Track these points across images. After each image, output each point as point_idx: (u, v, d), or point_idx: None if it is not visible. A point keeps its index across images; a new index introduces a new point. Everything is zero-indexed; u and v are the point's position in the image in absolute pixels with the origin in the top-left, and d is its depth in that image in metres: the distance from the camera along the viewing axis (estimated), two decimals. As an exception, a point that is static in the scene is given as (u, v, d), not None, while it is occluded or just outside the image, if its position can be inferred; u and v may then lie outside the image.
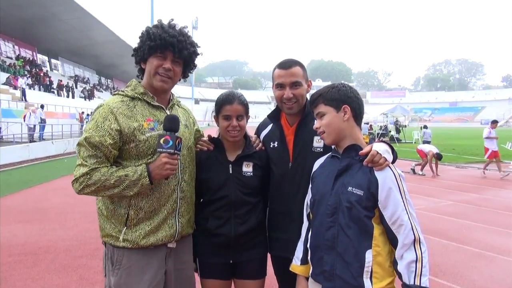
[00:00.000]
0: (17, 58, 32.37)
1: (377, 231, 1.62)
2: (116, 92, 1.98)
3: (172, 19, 1.96)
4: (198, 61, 2.08)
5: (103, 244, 1.98)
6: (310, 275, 1.80)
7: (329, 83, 2.02)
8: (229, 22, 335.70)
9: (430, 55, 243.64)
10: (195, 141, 2.22)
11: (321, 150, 2.04)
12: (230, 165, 2.14)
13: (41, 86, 30.49)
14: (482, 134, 12.26)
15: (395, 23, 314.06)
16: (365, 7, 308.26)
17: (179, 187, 1.97)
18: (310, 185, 1.90)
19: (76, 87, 37.46)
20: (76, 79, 40.65)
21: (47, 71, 36.54)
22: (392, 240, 1.61)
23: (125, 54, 34.87)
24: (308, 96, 2.12)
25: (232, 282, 2.23)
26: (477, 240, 5.56)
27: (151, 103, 1.94)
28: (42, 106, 22.08)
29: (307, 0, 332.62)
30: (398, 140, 24.94)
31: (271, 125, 2.28)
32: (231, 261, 2.13)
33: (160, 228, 1.90)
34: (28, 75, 29.22)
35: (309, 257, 1.82)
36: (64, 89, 33.36)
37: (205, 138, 2.27)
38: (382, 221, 1.62)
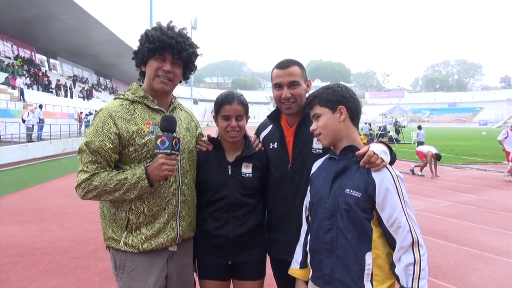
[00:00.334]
0: (16, 57, 32.32)
1: (376, 233, 1.60)
2: (116, 96, 1.97)
3: (171, 21, 1.95)
4: (197, 61, 2.06)
5: (107, 249, 1.97)
6: (310, 278, 1.79)
7: (328, 83, 2.00)
8: (228, 22, 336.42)
9: (429, 56, 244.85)
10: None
11: (321, 151, 2.02)
12: (229, 166, 2.12)
13: (40, 86, 30.44)
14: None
15: (394, 24, 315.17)
16: (364, 8, 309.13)
17: (180, 190, 1.96)
18: (309, 187, 1.88)
19: (75, 87, 37.37)
20: (75, 79, 40.56)
21: (45, 70, 36.49)
22: (390, 242, 1.59)
23: (124, 53, 34.97)
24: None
25: (231, 283, 2.21)
26: (477, 241, 5.56)
27: (151, 106, 1.93)
28: (40, 106, 21.98)
29: (306, 0, 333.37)
30: (397, 140, 24.95)
31: (271, 126, 2.26)
32: (230, 262, 2.11)
33: (161, 232, 1.89)
34: (26, 75, 29.18)
35: (308, 261, 1.80)
36: (63, 89, 33.30)
37: (205, 138, 2.25)
38: (380, 223, 1.60)
